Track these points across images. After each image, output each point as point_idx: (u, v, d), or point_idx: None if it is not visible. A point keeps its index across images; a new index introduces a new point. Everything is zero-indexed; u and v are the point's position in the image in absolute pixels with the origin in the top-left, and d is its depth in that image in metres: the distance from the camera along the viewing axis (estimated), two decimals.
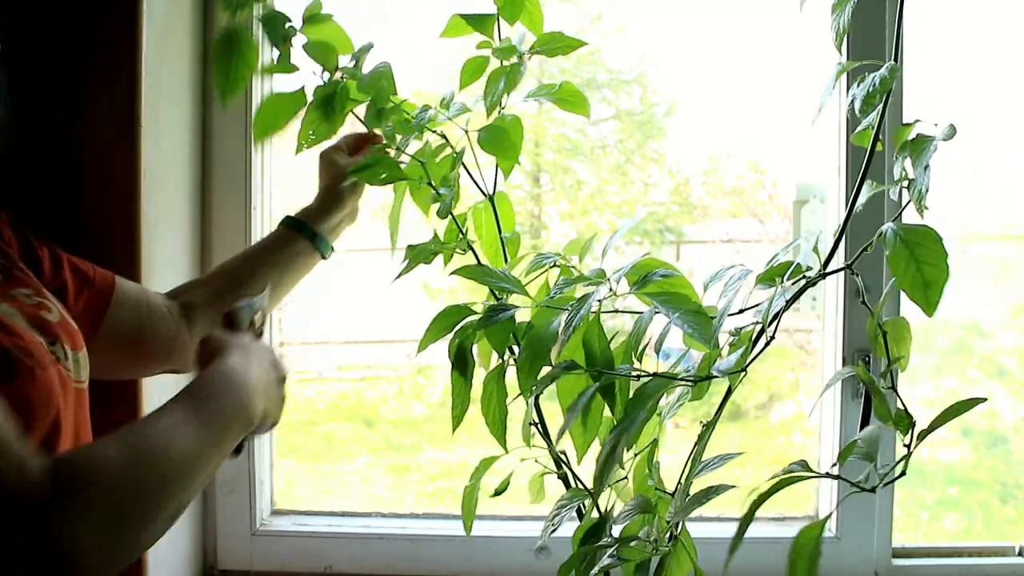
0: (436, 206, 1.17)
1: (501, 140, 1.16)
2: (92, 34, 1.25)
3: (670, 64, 1.99)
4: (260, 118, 1.17)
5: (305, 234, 1.26)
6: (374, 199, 1.38)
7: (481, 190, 1.19)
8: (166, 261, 1.36)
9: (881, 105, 0.95)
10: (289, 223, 1.27)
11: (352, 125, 1.22)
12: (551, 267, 1.15)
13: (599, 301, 0.98)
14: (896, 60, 0.97)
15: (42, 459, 0.69)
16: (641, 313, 1.03)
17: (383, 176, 1.16)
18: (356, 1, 1.58)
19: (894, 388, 0.91)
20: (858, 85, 0.96)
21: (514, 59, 1.14)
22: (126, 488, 0.71)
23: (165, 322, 1.17)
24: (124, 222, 1.26)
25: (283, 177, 1.61)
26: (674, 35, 1.85)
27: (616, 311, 1.07)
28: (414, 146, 1.18)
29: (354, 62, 1.17)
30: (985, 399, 0.88)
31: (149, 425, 0.78)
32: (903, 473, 0.87)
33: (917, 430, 0.88)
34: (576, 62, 2.11)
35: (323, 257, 1.29)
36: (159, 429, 0.78)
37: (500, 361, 1.13)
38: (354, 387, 2.29)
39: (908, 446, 0.87)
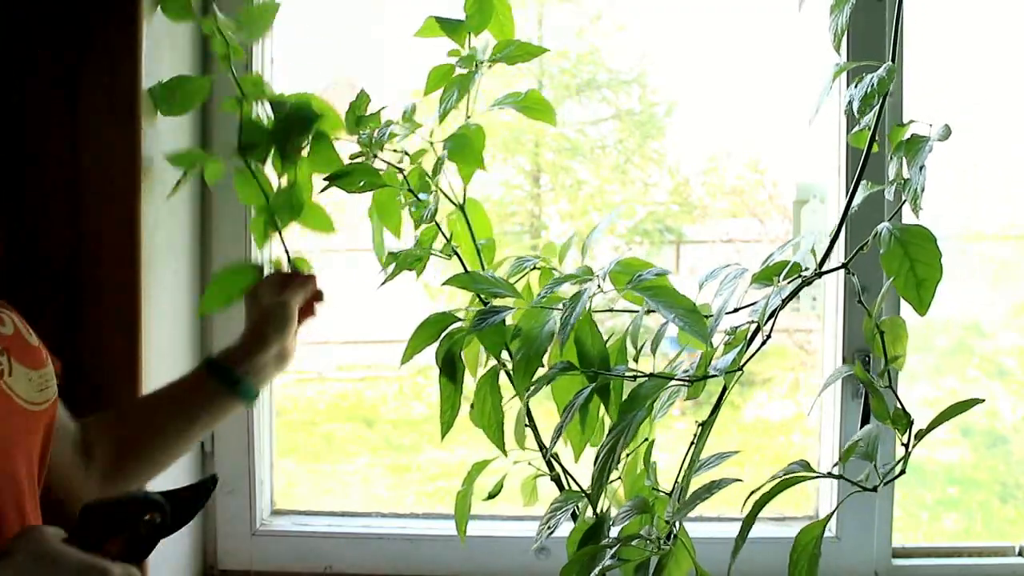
0: (409, 220, 1.18)
1: (464, 148, 1.16)
2: (92, 34, 1.25)
3: (670, 64, 1.99)
4: (210, 290, 1.21)
5: (224, 380, 1.13)
6: (369, 198, 1.38)
7: (452, 201, 1.19)
8: (166, 261, 1.37)
9: (879, 106, 0.95)
10: (209, 366, 1.14)
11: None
12: (532, 269, 1.16)
13: (590, 297, 0.98)
14: (894, 61, 0.97)
15: None
16: (635, 312, 1.03)
17: (361, 183, 1.16)
18: (352, 1, 1.59)
19: (892, 387, 0.91)
20: (856, 86, 0.97)
21: (472, 67, 1.15)
22: None
23: (68, 461, 1.06)
24: (124, 222, 1.26)
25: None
26: (674, 35, 1.85)
27: (611, 310, 1.07)
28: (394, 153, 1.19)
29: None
30: (983, 400, 0.88)
31: None
32: (903, 472, 0.87)
33: (916, 429, 0.89)
34: (576, 62, 2.11)
35: (245, 404, 1.16)
36: None
37: (493, 365, 1.13)
38: (354, 387, 2.29)
39: (907, 445, 0.88)
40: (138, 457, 1.11)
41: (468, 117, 1.16)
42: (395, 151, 1.17)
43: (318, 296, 1.24)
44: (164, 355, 1.37)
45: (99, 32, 1.25)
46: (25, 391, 0.91)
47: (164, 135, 1.34)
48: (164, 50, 1.34)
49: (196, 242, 1.48)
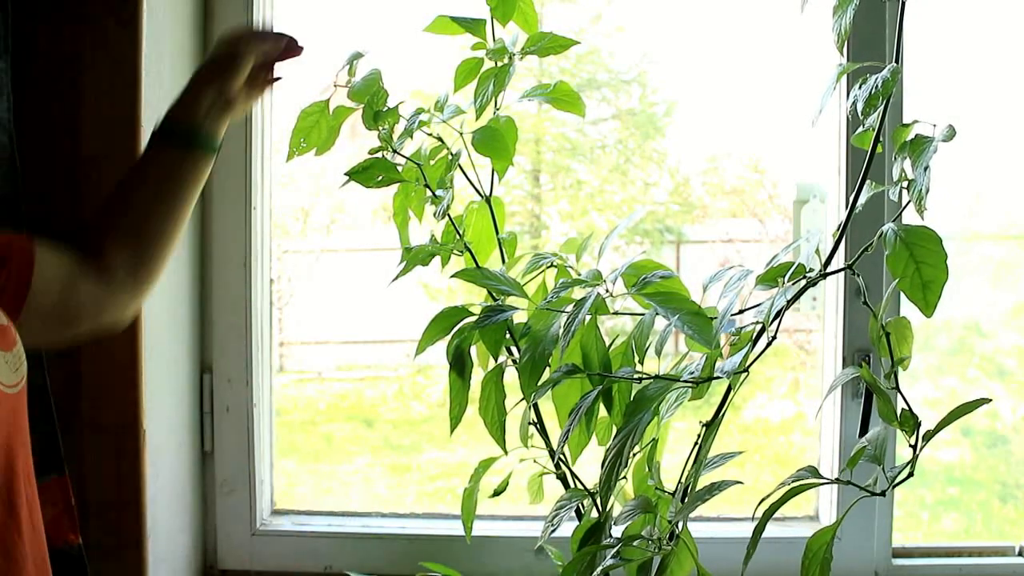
0: (431, 208, 1.17)
1: (494, 141, 1.15)
2: (92, 34, 1.25)
3: (670, 64, 1.99)
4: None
5: (172, 139, 1.08)
6: (373, 199, 1.38)
7: (479, 191, 1.19)
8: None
9: (882, 107, 0.95)
10: (156, 133, 1.09)
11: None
12: (548, 267, 1.15)
13: (595, 308, 0.99)
14: (897, 62, 0.97)
15: None
16: (641, 315, 1.03)
17: (379, 178, 1.16)
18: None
19: (898, 388, 0.91)
20: (860, 87, 0.96)
21: (505, 60, 1.14)
22: None
23: (89, 291, 1.05)
24: None
25: (283, 177, 1.61)
26: (674, 35, 1.85)
27: (616, 313, 1.07)
28: (411, 147, 1.18)
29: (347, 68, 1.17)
30: (990, 400, 0.88)
31: None
32: (911, 474, 0.87)
33: (922, 431, 0.89)
34: (576, 62, 2.11)
35: (204, 153, 1.09)
36: None
37: (497, 363, 1.13)
38: (354, 387, 2.29)
39: (914, 447, 0.87)
40: (148, 244, 1.09)
41: (497, 110, 1.16)
42: (430, 135, 1.16)
43: (290, 50, 1.13)
44: (163, 355, 1.36)
45: (99, 32, 1.25)
46: (4, 375, 0.88)
47: None
48: (164, 50, 1.34)
49: (197, 246, 1.48)
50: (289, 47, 1.11)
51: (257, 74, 1.11)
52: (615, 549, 1.00)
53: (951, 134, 0.91)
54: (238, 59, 1.08)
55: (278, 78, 1.14)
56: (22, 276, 0.99)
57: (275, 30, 1.12)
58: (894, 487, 0.86)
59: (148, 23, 1.26)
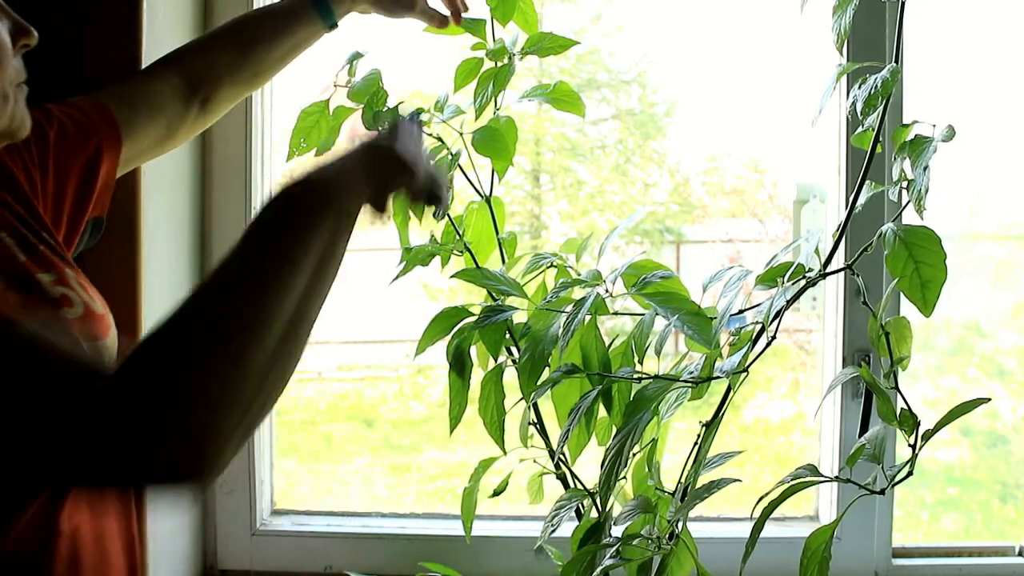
0: (431, 208, 1.17)
1: (494, 141, 1.16)
2: (92, 33, 1.25)
3: (670, 64, 1.99)
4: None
5: (321, 10, 1.14)
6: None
7: (479, 191, 1.19)
8: (166, 261, 1.36)
9: (882, 107, 0.95)
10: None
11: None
12: (548, 267, 1.15)
13: (595, 308, 0.99)
14: (897, 62, 0.97)
15: (108, 363, 0.65)
16: (641, 315, 1.03)
17: None
18: None
19: (897, 388, 0.91)
20: (859, 87, 0.97)
21: (505, 60, 1.14)
22: (209, 377, 0.64)
23: (189, 122, 1.13)
24: (124, 222, 1.26)
25: (283, 177, 1.61)
26: (674, 35, 1.85)
27: (616, 313, 1.07)
28: None
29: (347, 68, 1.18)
30: (989, 399, 0.88)
31: (210, 293, 0.68)
32: (910, 474, 0.87)
33: (921, 430, 0.89)
34: (576, 62, 2.11)
35: (328, 27, 1.16)
36: (221, 299, 0.67)
37: (497, 363, 1.13)
38: (354, 387, 2.29)
39: (914, 446, 0.88)
40: (251, 90, 1.20)
41: (497, 110, 1.16)
42: (430, 135, 1.17)
43: (446, 18, 1.17)
44: None
45: (99, 32, 1.25)
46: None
47: None
48: (164, 50, 1.34)
49: (197, 246, 1.48)
50: None
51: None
52: (615, 549, 1.00)
53: (951, 134, 0.91)
54: None
55: None
56: (111, 139, 1.04)
57: None
58: (893, 486, 0.86)
59: (148, 23, 1.26)
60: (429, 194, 0.88)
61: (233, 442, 0.65)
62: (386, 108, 1.16)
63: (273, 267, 0.68)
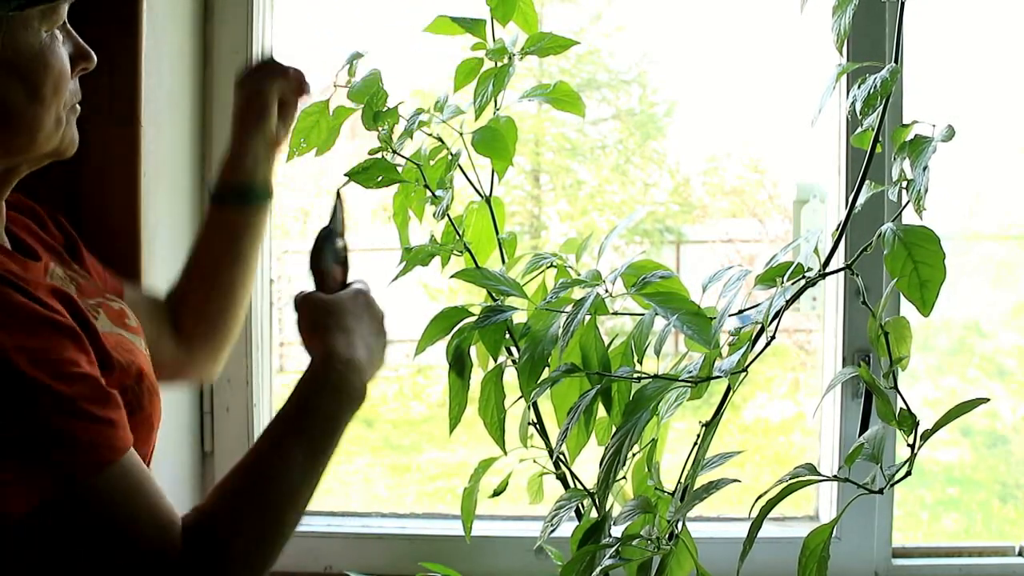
0: (431, 208, 1.17)
1: (494, 141, 1.15)
2: (92, 34, 1.25)
3: (670, 64, 1.99)
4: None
5: (235, 200, 1.11)
6: (372, 199, 1.38)
7: (478, 191, 1.19)
8: (166, 261, 1.36)
9: (881, 107, 0.95)
10: (212, 196, 1.13)
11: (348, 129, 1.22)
12: (548, 267, 1.15)
13: (594, 308, 0.99)
14: (897, 62, 0.97)
15: (178, 527, 0.77)
16: (640, 315, 1.03)
17: (379, 179, 1.16)
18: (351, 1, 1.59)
19: (896, 388, 0.91)
20: (859, 87, 0.96)
21: (505, 60, 1.14)
22: (256, 546, 0.81)
23: (169, 352, 1.12)
24: (124, 222, 1.26)
25: (283, 177, 1.61)
26: (674, 35, 1.85)
27: (616, 313, 1.07)
28: (411, 147, 1.18)
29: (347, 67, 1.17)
30: (988, 399, 0.88)
31: (266, 472, 0.84)
32: (909, 473, 0.87)
33: (920, 430, 0.89)
34: (576, 62, 2.11)
35: (261, 203, 1.14)
36: (278, 475, 0.85)
37: (497, 363, 1.13)
38: None
39: (912, 446, 0.88)
40: (220, 310, 1.16)
41: (497, 110, 1.16)
42: (430, 135, 1.17)
43: (301, 88, 1.16)
44: None
45: (99, 32, 1.25)
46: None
47: (164, 135, 1.34)
48: (164, 50, 1.34)
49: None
50: (299, 81, 1.15)
51: (282, 111, 1.15)
52: (614, 549, 1.00)
53: (950, 134, 0.91)
54: (265, 101, 1.12)
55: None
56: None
57: (276, 60, 1.15)
58: (892, 485, 0.86)
59: (148, 23, 1.26)
60: None
61: None
62: (386, 108, 1.16)
63: (317, 462, 0.88)
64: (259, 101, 1.11)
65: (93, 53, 0.89)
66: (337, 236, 1.04)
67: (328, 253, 1.02)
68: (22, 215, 0.99)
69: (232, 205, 1.12)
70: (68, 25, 0.87)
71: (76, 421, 0.74)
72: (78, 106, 0.90)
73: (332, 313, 0.95)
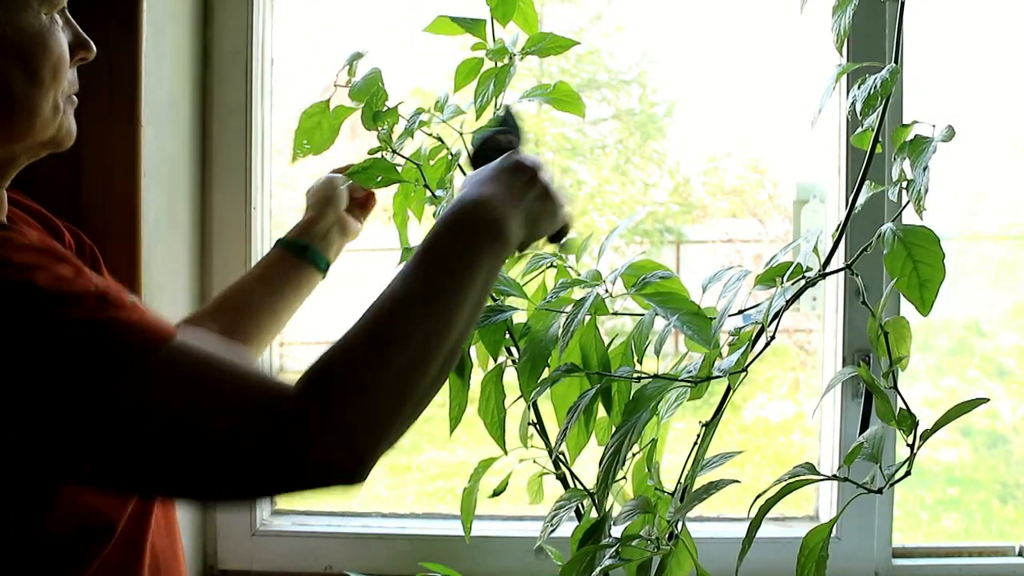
0: (431, 208, 1.17)
1: None
2: (92, 33, 1.25)
3: (670, 64, 1.99)
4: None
5: (293, 250, 1.22)
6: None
7: None
8: (166, 262, 1.36)
9: (881, 107, 0.95)
10: (279, 243, 1.24)
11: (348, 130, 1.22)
12: (548, 267, 1.16)
13: (594, 308, 0.99)
14: (896, 62, 0.97)
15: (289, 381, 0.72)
16: (640, 315, 1.03)
17: (379, 179, 1.16)
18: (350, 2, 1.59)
19: (896, 388, 0.91)
20: (859, 87, 0.97)
21: (505, 60, 1.14)
22: (370, 394, 0.72)
23: None
24: (124, 222, 1.26)
25: (283, 177, 1.61)
26: (674, 35, 1.85)
27: (616, 313, 1.08)
28: (411, 147, 1.18)
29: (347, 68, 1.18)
30: (987, 399, 0.88)
31: (382, 318, 0.75)
32: (908, 473, 0.87)
33: (920, 430, 0.89)
34: (576, 62, 2.11)
35: (320, 270, 1.24)
36: (394, 322, 0.75)
37: (497, 363, 1.13)
38: None
39: (912, 446, 0.88)
40: (258, 341, 1.19)
41: (497, 110, 1.16)
42: (430, 135, 1.17)
43: (370, 196, 1.30)
44: None
45: (99, 32, 1.25)
46: None
47: (164, 135, 1.34)
48: (164, 50, 1.34)
49: (197, 246, 1.48)
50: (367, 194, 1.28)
51: (353, 209, 1.28)
52: (614, 549, 1.00)
53: (950, 134, 0.91)
54: (336, 189, 1.25)
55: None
56: None
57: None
58: (891, 485, 0.86)
59: (148, 23, 1.26)
60: (559, 234, 0.96)
61: (383, 451, 0.73)
62: (386, 108, 1.16)
63: (447, 310, 0.76)
64: (329, 185, 1.26)
65: (92, 43, 0.88)
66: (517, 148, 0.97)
67: (485, 144, 0.96)
68: (32, 218, 0.98)
69: (292, 253, 1.21)
70: (68, 13, 0.86)
71: (118, 310, 0.72)
72: (75, 97, 0.89)
73: (469, 181, 0.89)
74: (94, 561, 0.84)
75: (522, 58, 1.15)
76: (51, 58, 0.82)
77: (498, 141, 0.96)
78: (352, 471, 0.71)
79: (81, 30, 0.88)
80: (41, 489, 0.78)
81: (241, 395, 0.71)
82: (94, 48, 0.88)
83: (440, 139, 1.19)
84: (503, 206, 0.84)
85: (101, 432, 0.68)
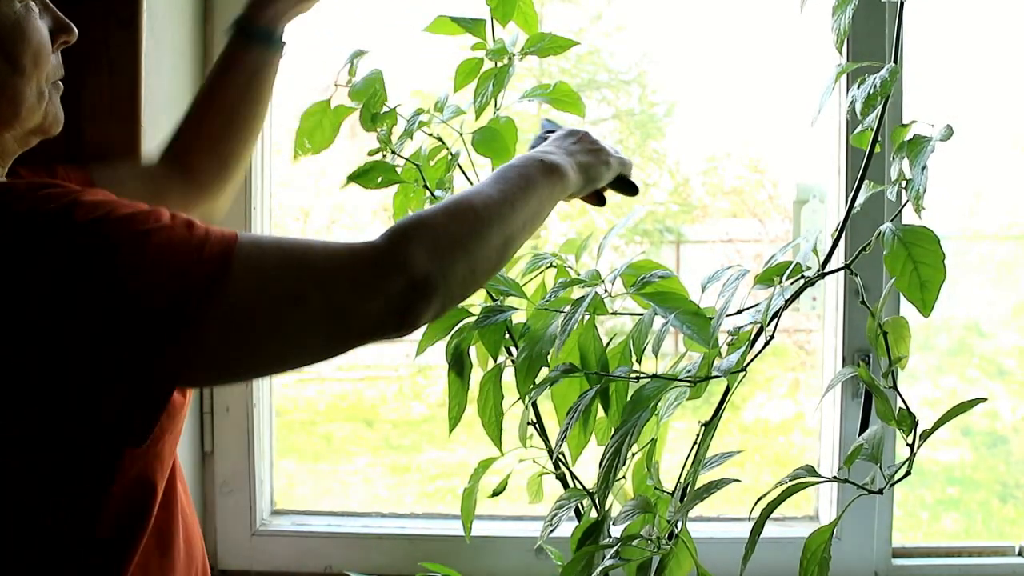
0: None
1: (494, 142, 1.16)
2: (92, 33, 1.25)
3: (670, 64, 1.99)
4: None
5: (258, 42, 1.15)
6: (372, 199, 1.38)
7: None
8: None
9: (881, 107, 0.95)
10: (238, 36, 1.16)
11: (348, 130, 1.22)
12: (547, 267, 1.16)
13: (593, 308, 0.99)
14: (896, 62, 0.97)
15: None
16: (640, 315, 1.03)
17: (379, 180, 1.16)
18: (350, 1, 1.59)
19: (895, 388, 0.91)
20: (859, 87, 0.97)
21: (505, 60, 1.14)
22: (448, 230, 0.84)
23: (177, 195, 1.14)
24: None
25: (283, 177, 1.61)
26: (674, 35, 1.85)
27: (615, 313, 1.08)
28: (411, 148, 1.18)
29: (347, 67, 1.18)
30: (985, 399, 0.88)
31: (457, 199, 0.89)
32: (908, 473, 0.87)
33: (919, 430, 0.89)
34: (576, 62, 2.11)
35: (280, 51, 1.17)
36: (466, 194, 0.89)
37: (496, 363, 1.14)
38: (354, 387, 2.29)
39: (911, 446, 0.88)
40: (232, 146, 1.18)
41: (497, 110, 1.16)
42: (430, 135, 1.17)
43: None
44: None
45: (99, 31, 1.25)
46: None
47: (164, 135, 1.34)
48: (164, 50, 1.34)
49: None
50: None
51: None
52: (614, 549, 1.00)
53: (949, 134, 0.91)
54: None
55: None
56: None
57: None
58: (891, 485, 0.86)
59: (148, 23, 1.26)
60: (622, 182, 1.10)
61: (449, 295, 0.85)
62: (384, 110, 1.16)
63: (514, 197, 0.91)
64: None
65: (73, 25, 0.89)
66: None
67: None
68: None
69: (255, 45, 1.15)
70: None
71: (190, 228, 0.77)
72: (60, 83, 0.90)
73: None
74: (147, 527, 0.87)
75: (522, 58, 1.15)
76: (31, 46, 0.84)
77: (546, 139, 1.09)
78: (435, 288, 0.81)
79: (60, 13, 0.88)
80: (147, 409, 0.79)
81: (329, 248, 0.80)
82: (75, 31, 0.89)
83: (440, 139, 1.19)
84: (557, 155, 1.00)
85: (211, 321, 0.74)
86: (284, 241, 0.81)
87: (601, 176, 1.05)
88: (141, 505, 0.86)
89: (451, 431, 1.14)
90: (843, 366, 1.44)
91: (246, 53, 1.15)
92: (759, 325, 0.97)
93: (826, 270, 0.99)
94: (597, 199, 1.10)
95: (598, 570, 0.99)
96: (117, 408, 0.75)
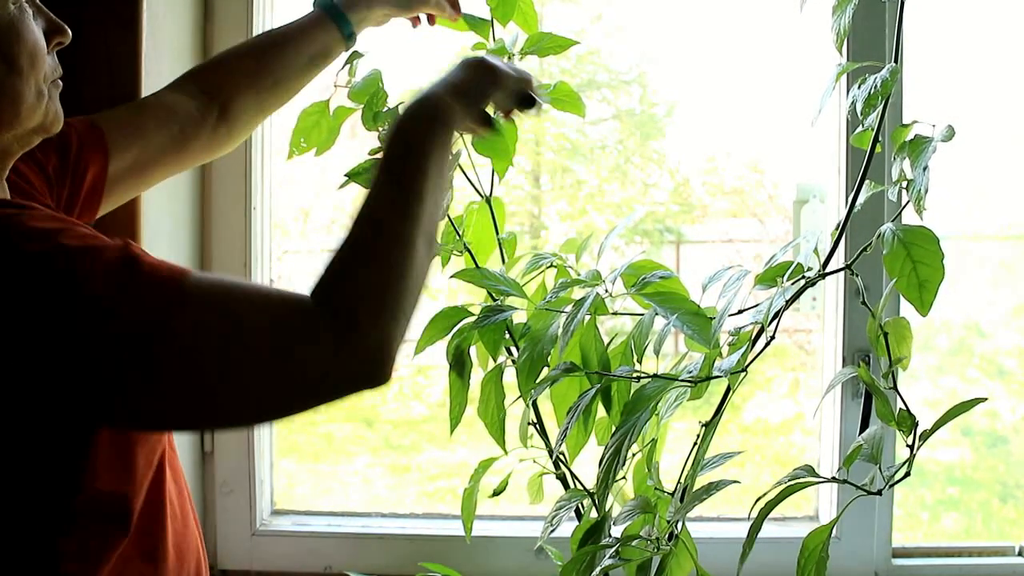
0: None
1: (494, 142, 1.16)
2: (92, 33, 1.25)
3: (670, 64, 1.99)
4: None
5: (335, 18, 1.17)
6: None
7: (479, 192, 1.19)
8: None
9: (881, 107, 0.95)
10: (323, 4, 1.18)
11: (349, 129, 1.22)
12: (548, 267, 1.16)
13: (594, 308, 0.99)
14: (896, 62, 0.97)
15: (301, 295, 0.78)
16: (640, 315, 1.03)
17: None
18: None
19: (895, 388, 0.91)
20: (859, 87, 0.97)
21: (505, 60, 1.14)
22: (373, 280, 0.78)
23: (204, 135, 1.14)
24: (124, 222, 1.26)
25: (283, 177, 1.61)
26: (674, 35, 1.85)
27: (616, 313, 1.08)
28: None
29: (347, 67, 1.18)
30: (986, 399, 0.88)
31: (363, 220, 0.81)
32: (908, 474, 0.87)
33: (919, 430, 0.89)
34: (576, 62, 2.11)
35: (345, 36, 1.18)
36: (372, 218, 0.81)
37: (497, 363, 1.14)
38: None
39: (911, 446, 0.88)
40: (275, 103, 1.19)
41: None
42: None
43: (455, 6, 1.21)
44: None
45: (99, 31, 1.25)
46: None
47: None
48: (164, 50, 1.34)
49: (197, 246, 1.48)
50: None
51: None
52: (614, 549, 1.01)
53: (950, 134, 0.91)
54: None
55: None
56: (101, 164, 1.05)
57: None
58: (891, 486, 0.86)
59: (148, 23, 1.26)
60: (522, 97, 0.99)
61: (400, 344, 0.79)
62: (386, 108, 1.16)
63: (409, 193, 0.82)
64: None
65: (67, 27, 0.89)
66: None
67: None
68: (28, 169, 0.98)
69: (335, 31, 1.17)
70: (39, 1, 0.87)
71: (144, 252, 0.77)
72: (60, 82, 0.90)
73: None
74: (113, 552, 0.86)
75: (522, 58, 1.15)
76: (26, 46, 0.84)
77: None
78: (379, 350, 0.76)
79: (53, 15, 0.89)
80: (81, 445, 0.80)
81: (271, 298, 0.79)
82: (69, 32, 0.90)
83: None
84: (435, 92, 0.90)
85: (157, 363, 0.73)
86: (228, 282, 0.80)
87: (485, 92, 0.95)
88: (115, 516, 0.86)
89: (452, 431, 1.14)
90: (843, 366, 1.44)
91: (324, 33, 1.17)
92: (760, 325, 0.97)
93: (827, 270, 0.99)
94: (488, 124, 0.96)
95: (598, 570, 0.99)
96: (62, 431, 0.76)
